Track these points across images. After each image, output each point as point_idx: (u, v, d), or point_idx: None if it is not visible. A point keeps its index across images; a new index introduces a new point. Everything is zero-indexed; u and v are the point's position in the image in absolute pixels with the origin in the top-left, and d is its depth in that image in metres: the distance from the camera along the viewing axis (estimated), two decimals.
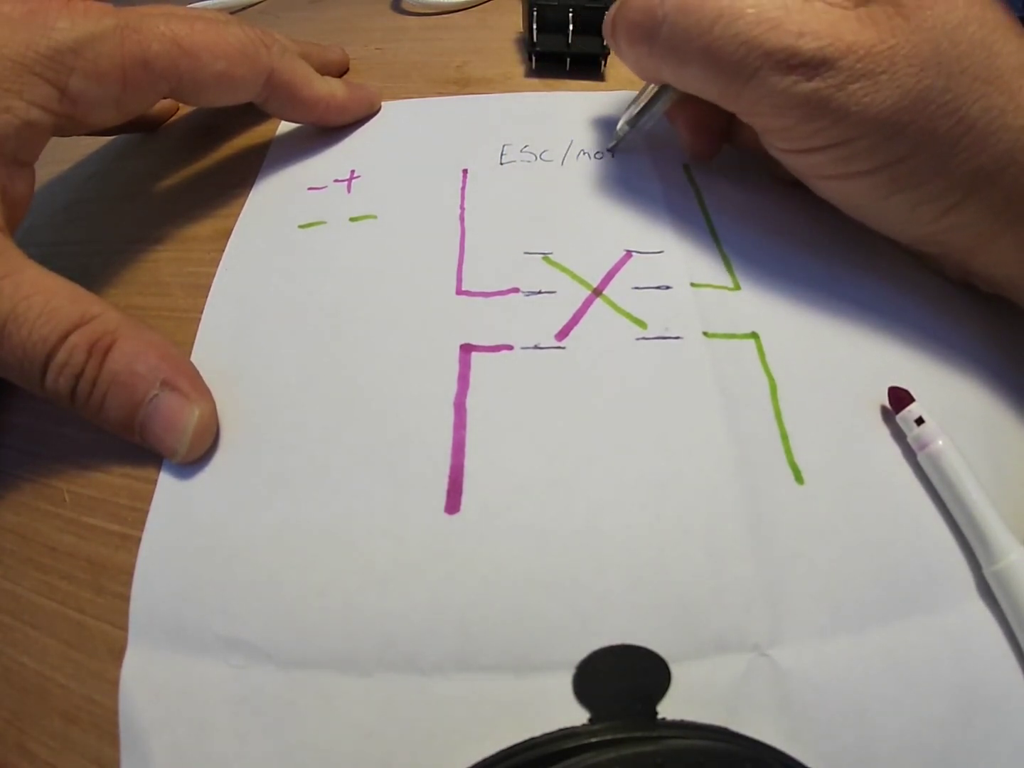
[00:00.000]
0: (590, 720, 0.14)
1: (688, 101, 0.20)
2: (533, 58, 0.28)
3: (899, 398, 0.17)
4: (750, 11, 0.16)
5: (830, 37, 0.16)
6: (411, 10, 0.34)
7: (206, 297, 0.20)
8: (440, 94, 0.27)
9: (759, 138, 0.19)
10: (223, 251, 0.22)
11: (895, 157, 0.16)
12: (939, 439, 0.16)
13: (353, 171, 0.24)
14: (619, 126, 0.23)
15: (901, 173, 0.17)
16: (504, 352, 0.18)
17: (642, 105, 0.22)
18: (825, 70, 0.16)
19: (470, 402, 0.18)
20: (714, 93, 0.18)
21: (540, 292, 0.20)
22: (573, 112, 0.26)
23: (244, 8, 0.37)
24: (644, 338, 0.19)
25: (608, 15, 0.20)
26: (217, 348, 0.19)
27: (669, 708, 0.14)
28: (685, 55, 0.18)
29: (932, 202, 0.17)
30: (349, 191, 0.23)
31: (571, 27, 0.27)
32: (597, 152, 0.24)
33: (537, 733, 0.14)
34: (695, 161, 0.23)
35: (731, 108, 0.18)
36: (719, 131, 0.22)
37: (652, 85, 0.21)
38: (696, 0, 0.17)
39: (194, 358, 0.19)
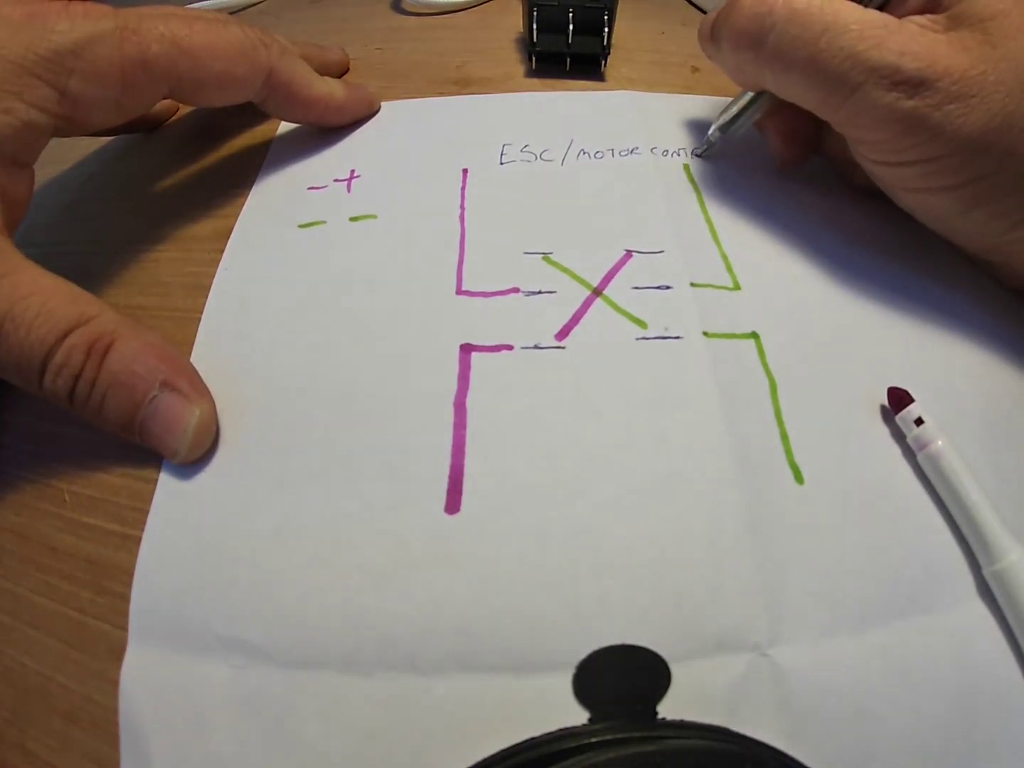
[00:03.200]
0: (590, 720, 0.14)
1: (779, 110, 0.21)
2: (533, 58, 0.28)
3: (898, 398, 0.17)
4: (854, 27, 0.17)
5: (928, 60, 0.16)
6: (411, 10, 0.34)
7: (206, 297, 0.20)
8: (440, 94, 0.27)
9: (849, 148, 0.20)
10: (223, 251, 0.22)
11: (979, 174, 0.17)
12: (938, 439, 0.16)
13: (353, 171, 0.24)
14: (710, 132, 0.23)
15: (983, 189, 0.17)
16: (504, 352, 0.18)
17: (734, 112, 0.22)
18: (924, 90, 0.16)
19: (470, 402, 0.18)
20: (814, 102, 0.19)
21: (540, 292, 0.20)
22: (573, 112, 0.26)
23: (244, 8, 0.37)
24: (644, 338, 0.19)
25: (707, 20, 0.21)
26: (217, 348, 0.19)
27: (669, 708, 0.14)
28: (791, 63, 0.18)
29: (1006, 217, 0.18)
30: (349, 191, 0.23)
31: (571, 27, 0.27)
32: (597, 152, 0.24)
33: (537, 733, 0.14)
34: (783, 168, 0.23)
35: (829, 118, 0.19)
36: (808, 140, 0.22)
37: (745, 93, 0.22)
38: (805, 11, 0.18)
39: (194, 358, 0.19)
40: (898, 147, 0.18)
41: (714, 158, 0.24)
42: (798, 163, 0.23)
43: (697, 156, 0.24)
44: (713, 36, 0.21)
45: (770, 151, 0.23)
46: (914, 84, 0.16)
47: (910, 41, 0.17)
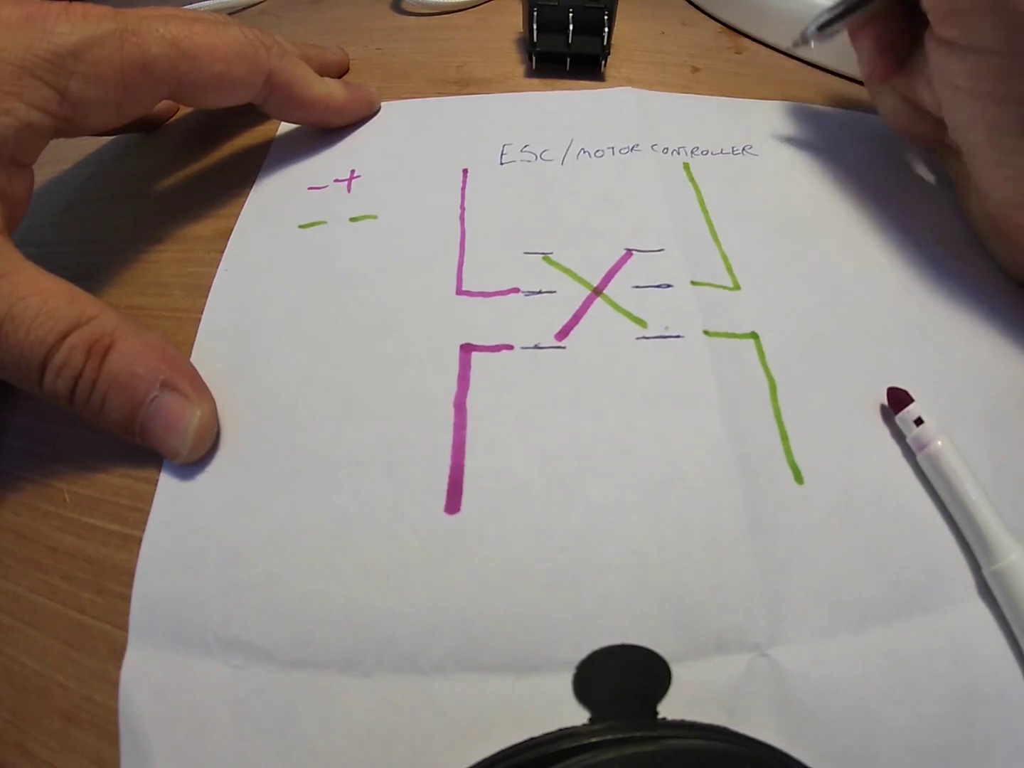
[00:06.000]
0: (590, 720, 0.14)
1: (877, 20, 0.21)
2: (533, 58, 0.28)
3: (898, 398, 0.17)
4: None
5: None
6: (411, 10, 0.34)
7: (206, 297, 0.20)
8: (440, 94, 0.27)
9: (931, 29, 0.19)
10: (223, 251, 0.22)
11: None
12: (938, 439, 0.16)
13: (353, 171, 0.24)
14: (808, 28, 0.23)
15: None
16: (504, 352, 0.18)
17: (839, 11, 0.22)
18: None
19: (470, 402, 0.18)
20: None
21: (540, 292, 0.20)
22: (573, 112, 0.26)
23: (244, 9, 0.37)
24: (644, 337, 0.19)
25: None
26: (217, 348, 0.19)
27: (669, 708, 0.14)
28: None
29: None
30: (349, 191, 0.23)
31: (571, 27, 0.27)
32: (598, 151, 0.24)
33: (537, 733, 0.14)
34: (870, 80, 0.23)
35: None
36: (898, 55, 0.22)
37: None
38: None
39: (194, 358, 0.19)
40: (976, 25, 0.17)
41: (715, 163, 0.24)
42: (883, 79, 0.23)
43: (790, 49, 0.24)
44: None
45: (861, 62, 0.23)
46: None
47: None
